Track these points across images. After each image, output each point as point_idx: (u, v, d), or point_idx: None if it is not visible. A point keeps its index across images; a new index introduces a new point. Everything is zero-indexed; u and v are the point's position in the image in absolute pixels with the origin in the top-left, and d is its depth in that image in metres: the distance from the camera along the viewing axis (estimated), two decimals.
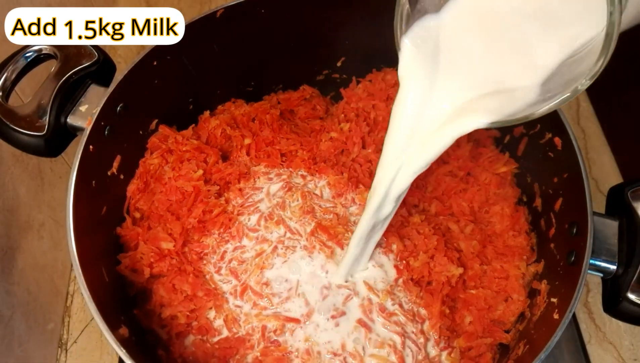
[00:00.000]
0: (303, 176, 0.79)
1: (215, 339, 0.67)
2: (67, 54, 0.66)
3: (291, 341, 0.66)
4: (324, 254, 0.70)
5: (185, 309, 0.68)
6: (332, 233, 0.72)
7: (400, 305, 0.68)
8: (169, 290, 0.68)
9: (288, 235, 0.72)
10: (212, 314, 0.69)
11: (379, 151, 0.82)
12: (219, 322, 0.68)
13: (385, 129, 0.82)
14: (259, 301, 0.68)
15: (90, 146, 0.64)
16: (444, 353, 0.67)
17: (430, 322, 0.68)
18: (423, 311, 0.69)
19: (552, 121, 0.66)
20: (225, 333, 0.68)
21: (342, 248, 0.72)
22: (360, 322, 0.66)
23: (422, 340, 0.66)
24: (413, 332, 0.66)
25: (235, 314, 0.68)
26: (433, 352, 0.67)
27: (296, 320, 0.67)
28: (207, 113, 0.83)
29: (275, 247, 0.71)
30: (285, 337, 0.66)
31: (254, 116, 0.82)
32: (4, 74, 0.64)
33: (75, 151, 0.63)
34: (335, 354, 0.65)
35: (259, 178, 0.79)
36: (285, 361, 0.65)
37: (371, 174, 0.79)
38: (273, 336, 0.66)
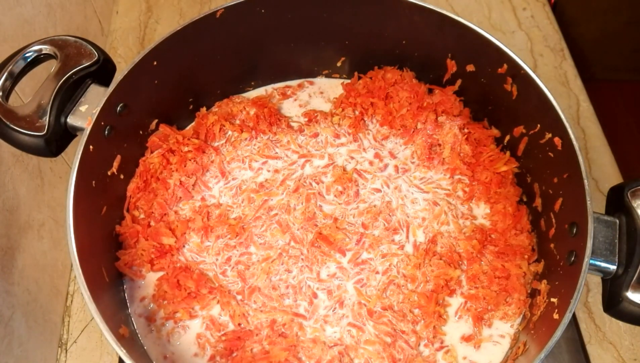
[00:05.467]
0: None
1: (220, 333, 0.68)
2: (67, 54, 0.66)
3: (299, 333, 0.67)
4: (324, 264, 0.72)
5: (188, 305, 0.68)
6: (332, 241, 0.72)
7: (391, 307, 0.69)
8: (173, 286, 0.68)
9: (292, 244, 0.73)
10: (216, 310, 0.69)
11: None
12: (224, 318, 0.69)
13: (382, 125, 0.84)
14: (269, 302, 0.69)
15: (90, 146, 0.64)
16: (440, 353, 0.67)
17: (424, 322, 0.68)
18: (417, 312, 0.69)
19: (552, 121, 0.66)
20: (231, 327, 0.68)
21: (344, 254, 0.72)
22: (351, 324, 0.68)
23: (414, 339, 0.66)
24: (404, 332, 0.67)
25: (243, 310, 0.68)
26: (427, 351, 0.67)
27: (303, 317, 0.69)
28: (203, 110, 0.84)
29: (280, 254, 0.72)
30: (294, 330, 0.67)
31: (251, 109, 0.83)
32: (4, 74, 0.64)
33: (75, 151, 0.63)
34: (336, 344, 0.67)
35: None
36: (292, 350, 0.65)
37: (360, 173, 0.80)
38: (282, 329, 0.67)
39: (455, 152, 0.79)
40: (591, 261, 0.57)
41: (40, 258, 0.77)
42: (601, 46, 1.84)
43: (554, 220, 0.68)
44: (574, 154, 0.62)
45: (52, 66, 0.66)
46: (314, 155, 0.82)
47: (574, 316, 0.79)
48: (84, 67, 0.66)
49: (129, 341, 0.64)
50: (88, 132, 0.64)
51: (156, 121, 0.78)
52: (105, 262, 0.68)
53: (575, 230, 0.61)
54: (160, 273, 0.72)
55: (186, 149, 0.77)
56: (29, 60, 0.66)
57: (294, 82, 0.91)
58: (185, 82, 0.80)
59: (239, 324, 0.68)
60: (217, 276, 0.71)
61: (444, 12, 0.73)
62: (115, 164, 0.71)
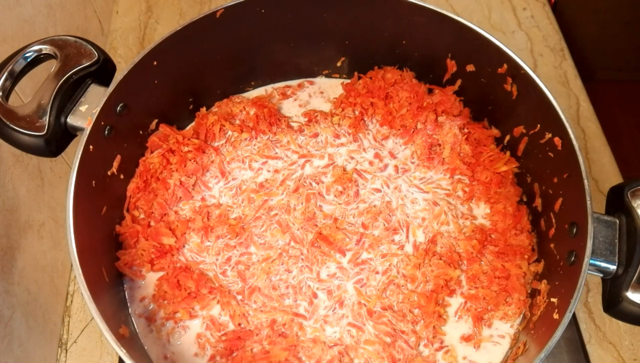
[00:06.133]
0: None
1: (220, 333, 0.68)
2: (67, 54, 0.66)
3: (299, 333, 0.68)
4: (324, 264, 0.72)
5: (188, 305, 0.68)
6: (332, 241, 0.72)
7: (391, 308, 0.69)
8: (173, 286, 0.68)
9: (292, 244, 0.73)
10: (216, 310, 0.69)
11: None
12: (224, 318, 0.69)
13: (382, 125, 0.84)
14: (269, 302, 0.69)
15: (90, 146, 0.64)
16: (439, 354, 0.67)
17: (424, 322, 0.68)
18: (417, 312, 0.69)
19: (552, 121, 0.66)
20: (231, 327, 0.68)
21: (344, 255, 0.72)
22: (350, 324, 0.68)
23: (413, 339, 0.66)
24: (404, 332, 0.67)
25: (243, 310, 0.68)
26: (426, 351, 0.67)
27: (303, 317, 0.69)
28: (203, 110, 0.84)
29: (281, 254, 0.72)
30: (294, 330, 0.67)
31: (251, 109, 0.83)
32: (4, 74, 0.64)
33: (75, 151, 0.63)
34: (336, 344, 0.67)
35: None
36: (292, 350, 0.65)
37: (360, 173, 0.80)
38: (282, 329, 0.67)
39: (455, 152, 0.79)
40: (591, 261, 0.57)
41: (40, 258, 0.77)
42: (601, 46, 1.84)
43: (554, 220, 0.68)
44: (574, 154, 0.62)
45: (52, 66, 0.66)
46: (314, 155, 0.82)
47: (574, 316, 0.79)
48: (84, 67, 0.66)
49: (129, 341, 0.64)
50: (88, 132, 0.64)
51: (156, 121, 0.78)
52: (105, 262, 0.68)
53: (575, 230, 0.61)
54: (160, 273, 0.72)
55: (186, 149, 0.77)
56: (29, 60, 0.66)
57: (294, 82, 0.91)
58: (185, 82, 0.80)
59: (239, 324, 0.68)
60: (217, 276, 0.71)
61: (444, 12, 0.73)
62: (115, 164, 0.71)
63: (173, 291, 0.69)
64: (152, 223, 0.74)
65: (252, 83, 0.89)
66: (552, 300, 0.62)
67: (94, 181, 0.66)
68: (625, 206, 0.60)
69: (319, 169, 0.80)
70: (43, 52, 0.66)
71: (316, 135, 0.83)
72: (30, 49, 0.66)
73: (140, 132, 0.76)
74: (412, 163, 0.81)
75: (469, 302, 0.70)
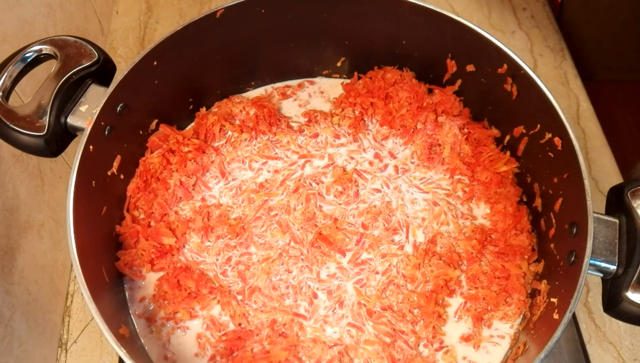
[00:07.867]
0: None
1: (221, 333, 0.68)
2: (67, 54, 0.66)
3: (299, 333, 0.68)
4: (324, 264, 0.72)
5: (188, 306, 0.68)
6: (332, 241, 0.72)
7: (391, 308, 0.69)
8: (173, 286, 0.68)
9: (292, 244, 0.73)
10: (216, 310, 0.69)
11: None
12: (225, 318, 0.69)
13: (382, 125, 0.84)
14: (269, 302, 0.69)
15: (90, 146, 0.64)
16: (439, 354, 0.67)
17: (424, 322, 0.68)
18: (416, 312, 0.69)
19: (552, 121, 0.66)
20: (231, 327, 0.68)
21: (344, 255, 0.72)
22: (350, 324, 0.69)
23: (413, 339, 0.66)
24: (404, 332, 0.67)
25: (244, 310, 0.68)
26: (426, 351, 0.67)
27: (303, 317, 0.69)
28: (203, 110, 0.84)
29: (281, 255, 0.72)
30: (294, 330, 0.67)
31: (251, 109, 0.83)
32: (4, 74, 0.64)
33: (75, 151, 0.63)
34: (335, 344, 0.67)
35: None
36: (292, 350, 0.65)
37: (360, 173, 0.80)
38: (282, 329, 0.67)
39: (455, 152, 0.79)
40: (591, 261, 0.57)
41: (40, 258, 0.77)
42: (601, 46, 1.84)
43: (554, 220, 0.68)
44: (574, 154, 0.62)
45: (52, 66, 0.66)
46: (314, 155, 0.82)
47: (574, 316, 0.79)
48: (84, 67, 0.66)
49: (129, 341, 0.64)
50: (88, 132, 0.64)
51: (156, 121, 0.78)
52: (105, 262, 0.68)
53: (575, 229, 0.61)
54: (161, 273, 0.72)
55: (186, 149, 0.77)
56: (29, 60, 0.66)
57: (294, 82, 0.91)
58: (185, 82, 0.80)
59: (240, 324, 0.68)
60: (217, 277, 0.71)
61: (444, 12, 0.73)
62: (115, 164, 0.71)
63: (173, 291, 0.69)
64: (152, 223, 0.74)
65: (252, 83, 0.89)
66: (552, 300, 0.62)
67: (94, 181, 0.66)
68: (625, 206, 0.60)
69: (319, 170, 0.80)
70: (43, 52, 0.66)
71: (316, 135, 0.83)
72: (30, 49, 0.66)
73: (140, 132, 0.76)
74: (412, 163, 0.81)
75: (468, 302, 0.70)
